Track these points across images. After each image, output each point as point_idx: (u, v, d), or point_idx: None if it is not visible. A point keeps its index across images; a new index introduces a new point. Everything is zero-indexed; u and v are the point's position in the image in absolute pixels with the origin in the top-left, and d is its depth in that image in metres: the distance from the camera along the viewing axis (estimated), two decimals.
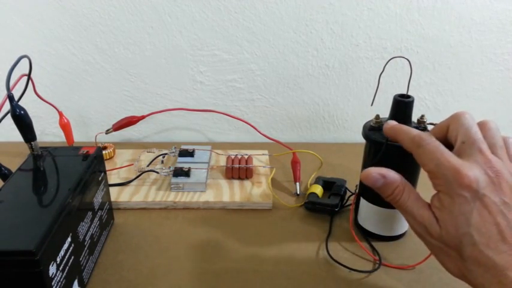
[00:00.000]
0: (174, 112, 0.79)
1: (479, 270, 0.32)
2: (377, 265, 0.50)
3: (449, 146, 0.35)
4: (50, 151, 0.49)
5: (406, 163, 0.49)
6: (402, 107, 0.48)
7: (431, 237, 0.34)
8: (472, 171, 0.31)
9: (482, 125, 0.35)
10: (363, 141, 0.51)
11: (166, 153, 0.70)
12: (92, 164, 0.48)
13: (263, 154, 0.72)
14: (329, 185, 0.63)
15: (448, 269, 0.35)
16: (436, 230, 0.33)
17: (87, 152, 0.49)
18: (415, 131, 0.37)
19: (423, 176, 0.51)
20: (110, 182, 0.63)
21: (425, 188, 0.64)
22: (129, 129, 0.76)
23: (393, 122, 0.41)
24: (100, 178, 0.51)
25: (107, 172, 0.55)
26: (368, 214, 0.53)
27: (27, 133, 0.46)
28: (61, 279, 0.38)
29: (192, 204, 0.60)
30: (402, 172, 0.50)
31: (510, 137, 0.36)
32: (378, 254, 0.51)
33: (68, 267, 0.40)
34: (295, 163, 0.67)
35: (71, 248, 0.41)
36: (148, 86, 0.77)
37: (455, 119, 0.36)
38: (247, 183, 0.64)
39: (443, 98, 0.79)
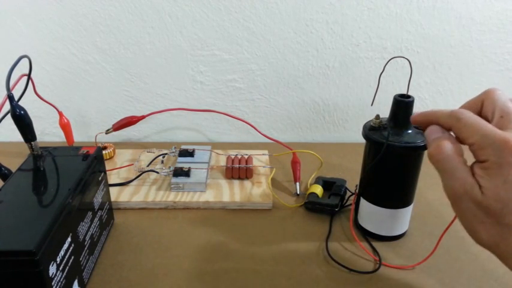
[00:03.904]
0: (174, 112, 0.79)
1: None
2: (377, 265, 0.50)
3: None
4: (50, 151, 0.49)
5: (406, 163, 0.50)
6: (402, 107, 0.48)
7: (469, 202, 0.34)
8: None
9: None
10: (363, 141, 0.51)
11: (166, 153, 0.70)
12: (92, 164, 0.48)
13: (263, 154, 0.72)
14: (329, 185, 0.63)
15: (479, 237, 0.35)
16: (477, 195, 0.34)
17: (87, 152, 0.49)
18: (449, 109, 0.38)
19: (423, 176, 0.51)
20: (110, 182, 0.63)
21: (425, 187, 0.64)
22: (129, 129, 0.76)
23: (420, 111, 0.41)
24: (100, 178, 0.51)
25: (107, 172, 0.55)
26: (368, 214, 0.53)
27: (27, 133, 0.46)
28: (61, 279, 0.38)
29: (192, 204, 0.60)
30: (402, 172, 0.50)
31: None
32: (378, 254, 0.51)
33: (68, 267, 0.40)
34: (295, 163, 0.67)
35: (71, 248, 0.41)
36: (149, 86, 0.77)
37: (490, 94, 0.37)
38: (247, 183, 0.64)
39: (443, 98, 0.79)
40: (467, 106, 0.39)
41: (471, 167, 0.35)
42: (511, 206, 0.32)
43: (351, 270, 0.49)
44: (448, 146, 0.36)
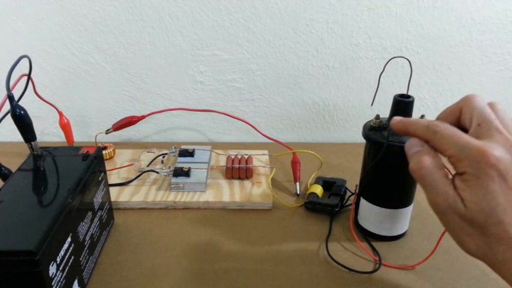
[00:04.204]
0: (174, 112, 0.79)
1: (501, 247, 0.32)
2: (377, 265, 0.50)
3: (462, 129, 0.36)
4: (50, 151, 0.49)
5: (406, 163, 0.49)
6: (402, 107, 0.48)
7: (454, 215, 0.34)
8: (497, 150, 0.32)
9: (491, 106, 0.36)
10: (363, 141, 0.51)
11: (166, 153, 0.70)
12: (92, 164, 0.48)
13: (263, 154, 0.72)
14: (329, 185, 0.63)
15: (467, 248, 0.35)
16: (460, 209, 0.33)
17: (87, 152, 0.49)
18: (426, 120, 0.37)
19: None
20: (110, 182, 0.63)
21: None
22: (129, 129, 0.76)
23: (399, 117, 0.41)
24: (100, 178, 0.51)
25: (107, 172, 0.55)
26: (368, 214, 0.53)
27: (27, 133, 0.46)
28: (61, 279, 0.38)
29: (192, 204, 0.60)
30: (402, 172, 0.50)
31: None
32: (378, 254, 0.51)
33: (68, 267, 0.40)
34: (295, 163, 0.67)
35: (71, 248, 0.41)
36: (148, 86, 0.77)
37: (468, 102, 0.37)
38: (247, 183, 0.64)
39: (443, 98, 0.79)
40: (446, 114, 0.39)
41: (452, 180, 0.35)
42: (494, 216, 0.32)
43: (351, 270, 0.49)
44: (428, 160, 0.35)
